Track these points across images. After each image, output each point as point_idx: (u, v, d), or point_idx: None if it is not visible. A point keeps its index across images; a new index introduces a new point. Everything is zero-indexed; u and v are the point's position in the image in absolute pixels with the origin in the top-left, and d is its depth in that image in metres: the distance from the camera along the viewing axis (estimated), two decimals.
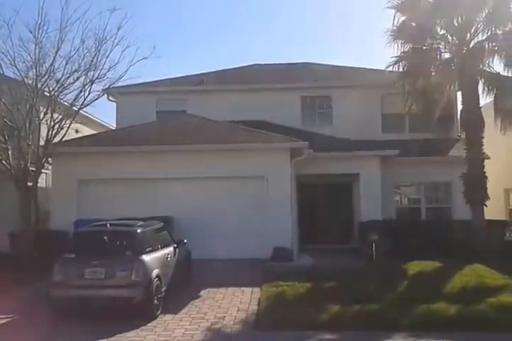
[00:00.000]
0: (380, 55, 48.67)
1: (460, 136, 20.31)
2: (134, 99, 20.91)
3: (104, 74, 15.11)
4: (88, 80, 14.84)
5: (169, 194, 16.16)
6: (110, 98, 21.06)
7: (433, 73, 16.90)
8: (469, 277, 12.51)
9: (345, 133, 19.55)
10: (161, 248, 11.23)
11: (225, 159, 16.15)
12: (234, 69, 23.63)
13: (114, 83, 15.55)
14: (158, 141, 16.48)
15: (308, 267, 14.66)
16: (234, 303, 11.31)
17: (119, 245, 10.33)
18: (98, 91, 15.56)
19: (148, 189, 16.22)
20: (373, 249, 15.62)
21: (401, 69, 17.08)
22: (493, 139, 17.23)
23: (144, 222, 11.33)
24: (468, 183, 16.07)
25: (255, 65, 24.05)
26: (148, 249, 10.49)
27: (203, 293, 12.16)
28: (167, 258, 11.30)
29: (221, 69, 23.58)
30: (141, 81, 19.88)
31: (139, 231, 10.63)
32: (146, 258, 10.21)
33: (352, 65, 23.34)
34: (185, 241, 12.40)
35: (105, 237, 10.25)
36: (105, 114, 40.27)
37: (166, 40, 52.20)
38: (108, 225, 10.73)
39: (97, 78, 14.89)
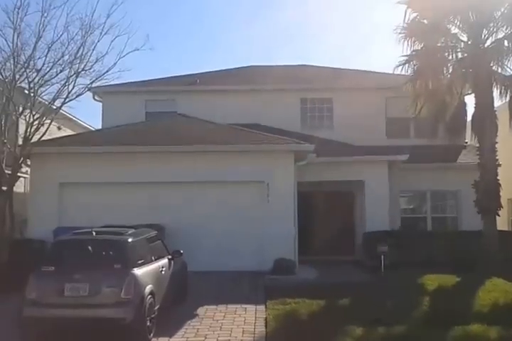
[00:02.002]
0: (381, 60, 46.45)
1: (467, 142, 19.57)
2: (122, 99, 19.50)
3: (91, 67, 13.63)
4: (73, 72, 13.35)
5: (160, 200, 14.79)
6: (96, 98, 19.72)
7: (445, 74, 15.91)
8: (495, 293, 11.38)
9: (347, 138, 18.44)
10: (155, 260, 9.76)
11: (222, 162, 14.79)
12: (228, 70, 22.33)
13: (101, 76, 14.14)
14: (148, 142, 15.03)
15: (314, 281, 13.46)
16: (237, 324, 9.88)
17: (107, 256, 8.87)
18: (83, 84, 14.04)
19: (137, 194, 14.78)
20: (382, 261, 14.58)
21: (411, 70, 16.01)
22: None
23: (136, 230, 9.87)
24: (480, 191, 15.00)
25: (251, 66, 22.74)
26: (140, 261, 9.03)
27: (200, 311, 10.72)
28: (161, 271, 9.84)
29: (215, 70, 22.22)
30: (130, 79, 18.59)
31: (130, 240, 9.15)
32: (138, 272, 8.76)
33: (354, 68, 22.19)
34: (182, 251, 10.92)
35: (90, 247, 8.78)
36: (87, 117, 38.42)
37: (160, 35, 49.49)
38: (93, 233, 9.24)
39: (82, 70, 13.40)
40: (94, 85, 15.20)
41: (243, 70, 22.21)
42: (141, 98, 19.73)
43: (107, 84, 15.85)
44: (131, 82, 19.73)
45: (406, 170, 17.66)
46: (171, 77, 21.29)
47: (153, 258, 9.68)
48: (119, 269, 8.59)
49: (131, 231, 9.62)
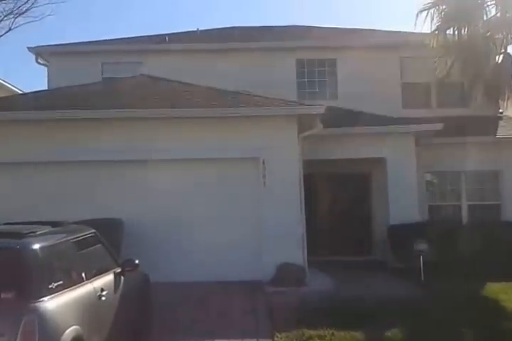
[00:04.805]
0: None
1: (502, 112, 16.39)
2: (72, 61, 15.36)
3: None
4: None
5: (117, 185, 10.81)
6: (39, 60, 15.73)
7: (484, 19, 12.52)
8: None
9: (354, 107, 14.71)
10: (88, 279, 5.77)
11: (202, 133, 10.84)
12: (206, 30, 18.22)
13: (26, 11, 10.07)
14: (98, 106, 10.95)
15: (334, 295, 9.69)
16: None
17: None
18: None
19: (83, 178, 10.71)
20: (421, 264, 11.27)
21: (437, 16, 12.57)
22: None
23: (52, 229, 5.86)
24: None
25: (235, 27, 18.64)
26: (55, 284, 5.07)
27: None
28: (100, 297, 5.85)
29: (188, 30, 18.13)
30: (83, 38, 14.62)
31: (34, 247, 5.13)
32: (49, 304, 4.83)
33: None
34: (137, 261, 6.87)
35: None
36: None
37: None
38: None
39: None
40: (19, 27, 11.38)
41: (225, 30, 18.18)
42: (97, 60, 15.59)
43: (38, 27, 12.02)
44: (84, 42, 15.75)
45: (432, 147, 14.11)
46: (134, 37, 17.21)
47: (83, 276, 5.68)
48: (12, 302, 4.67)
49: (42, 230, 5.60)
